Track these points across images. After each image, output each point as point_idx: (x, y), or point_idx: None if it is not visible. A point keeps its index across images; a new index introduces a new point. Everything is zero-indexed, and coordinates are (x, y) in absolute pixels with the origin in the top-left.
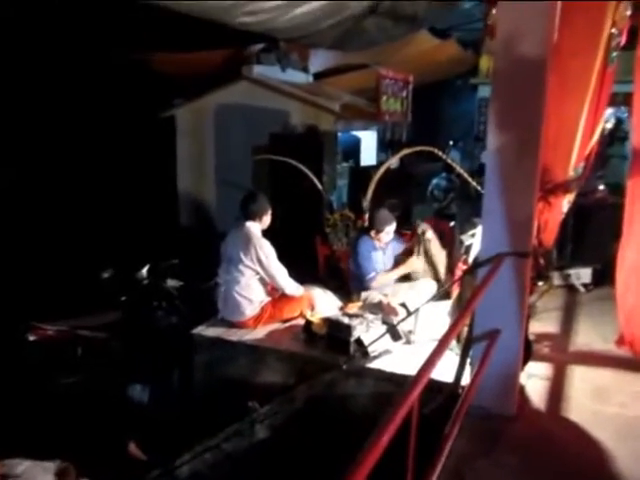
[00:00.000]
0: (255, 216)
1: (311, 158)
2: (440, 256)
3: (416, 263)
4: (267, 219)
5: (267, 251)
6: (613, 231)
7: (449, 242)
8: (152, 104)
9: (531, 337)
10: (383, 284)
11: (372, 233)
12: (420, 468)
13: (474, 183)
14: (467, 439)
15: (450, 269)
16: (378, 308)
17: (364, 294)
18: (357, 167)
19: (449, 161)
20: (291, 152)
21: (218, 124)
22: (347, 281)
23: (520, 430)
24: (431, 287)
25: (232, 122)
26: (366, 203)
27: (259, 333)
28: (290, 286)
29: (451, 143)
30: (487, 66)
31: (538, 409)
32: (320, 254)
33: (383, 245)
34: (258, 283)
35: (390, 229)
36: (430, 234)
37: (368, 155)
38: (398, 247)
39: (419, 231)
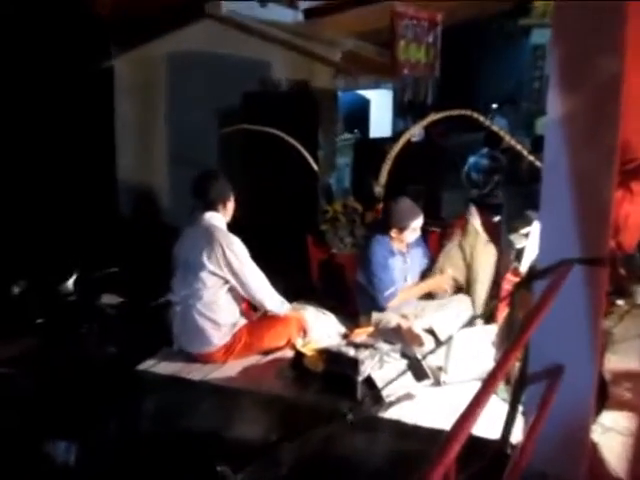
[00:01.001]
0: (216, 203)
1: (301, 127)
2: (485, 261)
3: (456, 272)
4: (231, 206)
5: (238, 250)
6: None
7: (493, 244)
8: (81, 53)
9: (606, 376)
10: (399, 303)
11: (392, 232)
12: None
13: (528, 161)
14: None
15: (496, 281)
16: (396, 335)
17: (376, 315)
18: (365, 140)
19: (494, 130)
20: (273, 119)
21: (172, 80)
22: (352, 297)
23: None
24: (468, 306)
25: (192, 77)
26: (379, 189)
27: (231, 369)
28: (272, 300)
29: (494, 107)
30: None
31: (616, 475)
32: (313, 260)
33: (404, 249)
34: (228, 298)
35: (416, 224)
36: (478, 224)
37: (380, 123)
38: (423, 253)
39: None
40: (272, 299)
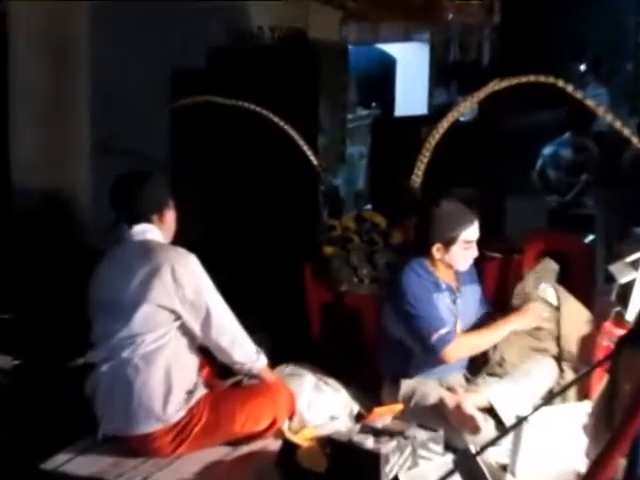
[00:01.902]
0: (150, 212)
1: (294, 100)
2: (571, 305)
3: (539, 308)
4: (170, 218)
5: (194, 271)
6: None
7: (583, 278)
8: None
9: None
10: (463, 355)
11: (435, 250)
12: None
13: (635, 152)
14: None
15: (588, 335)
16: (437, 417)
17: (407, 385)
18: (389, 119)
19: (587, 104)
20: (251, 88)
21: (98, 35)
22: (371, 358)
23: None
24: (550, 372)
25: (127, 31)
26: (411, 193)
27: (184, 468)
28: (242, 348)
29: (583, 68)
30: None
31: None
32: (313, 301)
33: (454, 282)
34: (181, 348)
35: (471, 235)
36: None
37: (411, 94)
38: (480, 291)
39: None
40: (243, 347)
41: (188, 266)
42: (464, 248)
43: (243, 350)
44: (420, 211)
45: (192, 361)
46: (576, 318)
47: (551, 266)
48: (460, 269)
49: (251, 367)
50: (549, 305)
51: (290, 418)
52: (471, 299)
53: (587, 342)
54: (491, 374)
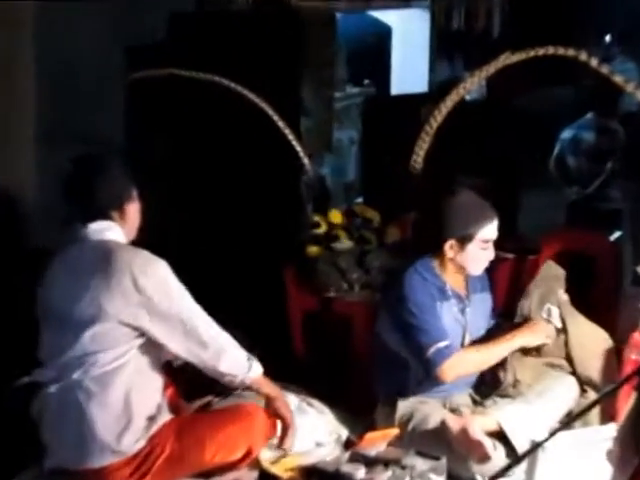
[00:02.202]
0: (109, 208)
1: (272, 75)
2: (579, 332)
3: (546, 328)
4: (133, 212)
5: (162, 277)
6: None
7: (608, 282)
8: None
9: None
10: (463, 373)
11: (447, 247)
12: None
13: None
14: None
15: (614, 350)
16: (439, 442)
17: (404, 406)
18: (384, 97)
19: (615, 80)
20: (224, 61)
21: None
22: (363, 376)
23: None
24: (569, 391)
25: None
26: (410, 184)
27: None
28: (231, 355)
29: (608, 39)
30: None
31: None
32: (295, 310)
33: (463, 290)
34: (141, 369)
35: (490, 234)
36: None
37: (410, 68)
38: (491, 301)
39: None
40: (230, 356)
41: (155, 273)
42: (481, 248)
43: (231, 359)
44: (429, 202)
45: (155, 383)
46: (588, 340)
47: (555, 272)
48: (473, 273)
49: (243, 378)
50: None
51: (269, 446)
52: (481, 309)
53: (608, 360)
54: (502, 395)
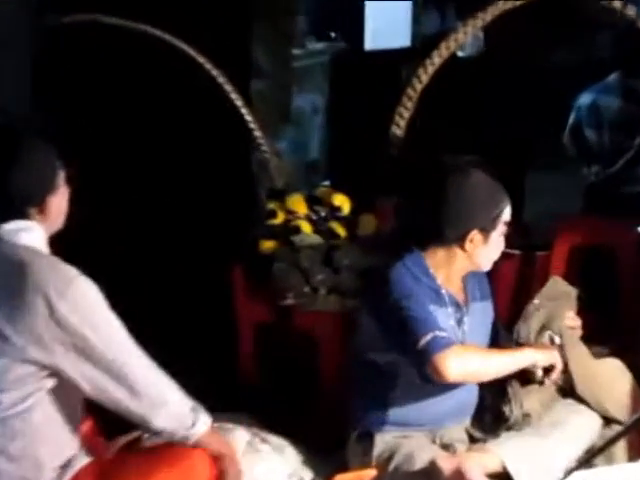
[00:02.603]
0: (24, 204)
1: (217, 28)
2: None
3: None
4: (58, 202)
5: (88, 304)
6: None
7: (633, 281)
8: None
9: None
10: (458, 370)
11: (470, 239)
12: None
13: None
14: None
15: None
16: None
17: (383, 441)
18: (355, 54)
19: None
20: (158, 7)
21: None
22: (331, 401)
23: None
24: (589, 422)
25: None
26: (389, 161)
27: None
28: (173, 408)
29: None
30: None
31: None
32: (245, 321)
33: (461, 295)
34: (52, 410)
35: (509, 214)
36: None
37: (388, 18)
38: (489, 308)
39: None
40: (170, 408)
41: (77, 298)
42: (500, 234)
43: (171, 413)
44: (425, 186)
45: (70, 425)
46: (596, 374)
47: (562, 289)
48: (485, 268)
49: (185, 435)
50: None
51: None
52: (480, 321)
53: (628, 391)
54: (508, 428)
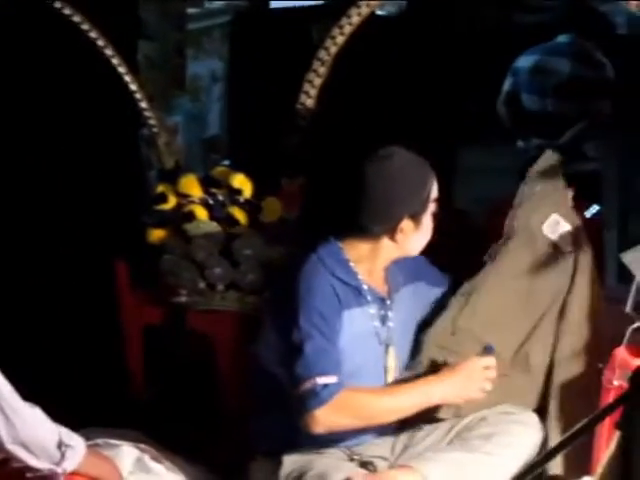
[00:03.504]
0: None
1: None
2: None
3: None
4: None
5: None
6: None
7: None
8: None
9: None
10: (334, 425)
11: (401, 227)
12: None
13: None
14: None
15: (589, 366)
16: None
17: (292, 460)
18: (259, 12)
19: None
20: None
21: None
22: (231, 415)
23: None
24: (529, 432)
25: None
26: (297, 135)
27: None
28: (36, 442)
29: None
30: None
31: None
32: (131, 322)
33: (382, 286)
34: None
35: (436, 192)
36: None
37: None
38: (422, 286)
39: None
40: (32, 443)
41: None
42: (430, 215)
43: (34, 447)
44: (342, 168)
45: None
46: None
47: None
48: (415, 254)
49: (55, 471)
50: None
51: None
52: (412, 306)
53: (588, 375)
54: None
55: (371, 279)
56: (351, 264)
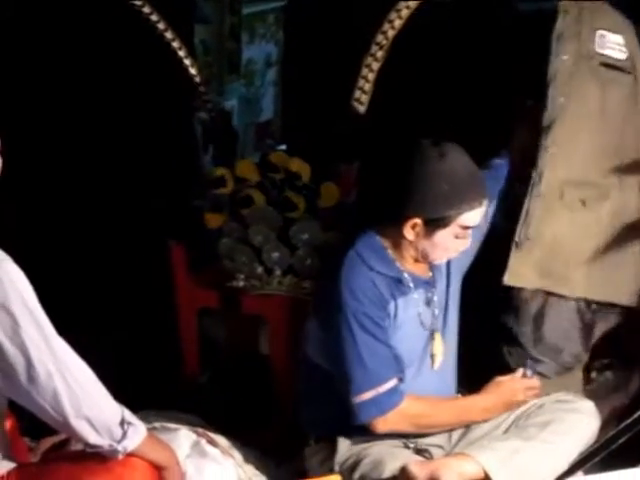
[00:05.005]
0: None
1: None
2: None
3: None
4: None
5: (10, 298)
6: None
7: None
8: None
9: None
10: (394, 430)
11: (408, 226)
12: None
13: None
14: None
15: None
16: None
17: (347, 445)
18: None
19: None
20: None
21: None
22: (286, 400)
23: None
24: (585, 420)
25: None
26: (353, 122)
27: None
28: (100, 419)
29: None
30: None
31: None
32: (187, 306)
33: (426, 272)
34: None
35: (474, 220)
36: None
37: None
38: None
39: None
40: (97, 419)
41: (5, 286)
42: (456, 236)
43: (97, 422)
44: (390, 157)
45: None
46: None
47: None
48: (436, 260)
49: (115, 448)
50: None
51: None
52: (457, 290)
53: None
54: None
55: (413, 264)
56: (389, 251)
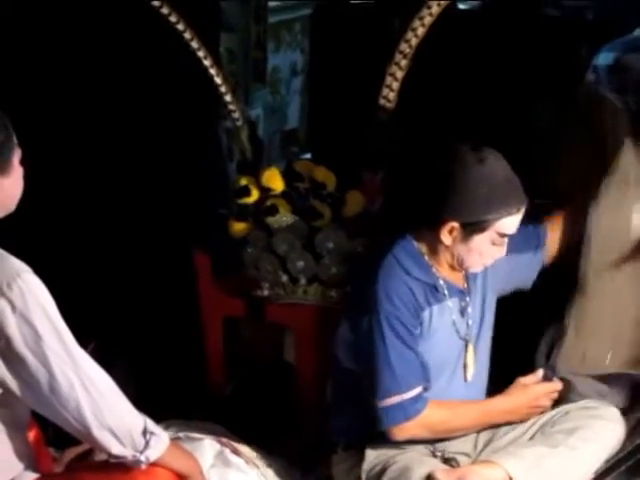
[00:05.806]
0: None
1: None
2: None
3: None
4: (9, 186)
5: (32, 311)
6: None
7: None
8: None
9: None
10: (415, 437)
11: (446, 230)
12: None
13: None
14: None
15: None
16: None
17: (374, 454)
18: (340, 5)
19: None
20: None
21: None
22: (312, 408)
23: None
24: (612, 428)
25: None
26: (381, 128)
27: None
28: (123, 429)
29: None
30: None
31: None
32: (212, 315)
33: (462, 281)
34: None
35: (512, 228)
36: None
37: None
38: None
39: None
40: (120, 430)
41: (27, 302)
42: (492, 242)
43: (120, 432)
44: (423, 163)
45: (14, 441)
46: None
47: None
48: (472, 269)
49: (138, 458)
50: None
51: None
52: (492, 301)
53: None
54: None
55: (449, 271)
56: (425, 257)
